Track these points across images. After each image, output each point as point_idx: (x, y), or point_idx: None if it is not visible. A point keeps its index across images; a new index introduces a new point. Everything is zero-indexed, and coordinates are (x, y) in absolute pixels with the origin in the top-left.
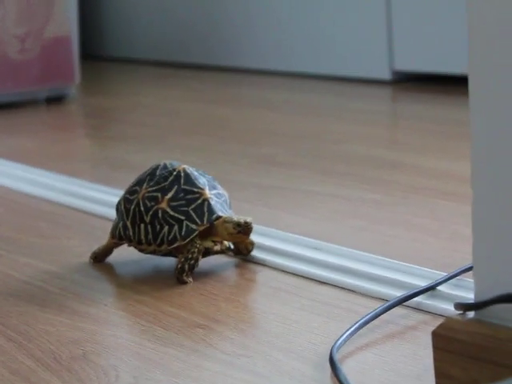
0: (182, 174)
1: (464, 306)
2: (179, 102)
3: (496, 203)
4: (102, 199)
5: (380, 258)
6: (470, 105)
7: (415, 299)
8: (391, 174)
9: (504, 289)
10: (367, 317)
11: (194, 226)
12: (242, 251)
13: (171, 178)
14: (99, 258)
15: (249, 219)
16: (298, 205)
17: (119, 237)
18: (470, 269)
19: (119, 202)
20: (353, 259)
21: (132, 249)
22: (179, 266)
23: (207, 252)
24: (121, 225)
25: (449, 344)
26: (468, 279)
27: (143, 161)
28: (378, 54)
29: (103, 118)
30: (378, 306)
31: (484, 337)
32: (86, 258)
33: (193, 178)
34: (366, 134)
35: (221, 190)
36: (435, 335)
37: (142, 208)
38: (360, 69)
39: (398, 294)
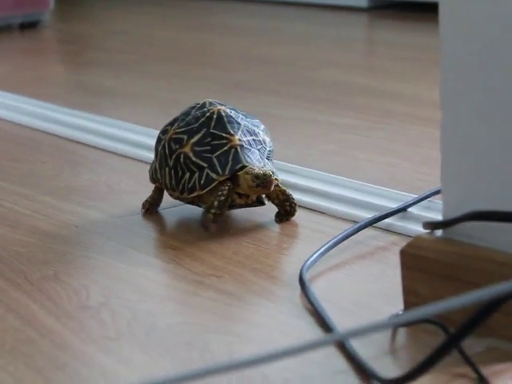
0: (215, 116)
1: (432, 225)
2: (154, 29)
3: (463, 125)
4: (76, 123)
5: (352, 180)
6: (439, 30)
7: (386, 221)
8: (366, 99)
9: (471, 207)
10: (337, 238)
11: (214, 176)
12: (280, 210)
13: (202, 120)
14: (151, 208)
15: (269, 171)
16: (271, 129)
17: (152, 179)
18: (440, 191)
19: (156, 142)
20: (325, 182)
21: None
22: (209, 203)
23: (231, 205)
24: (153, 166)
25: (416, 262)
26: (439, 201)
27: (117, 86)
28: None
29: (77, 43)
30: (348, 227)
31: (451, 254)
32: (59, 181)
33: (225, 121)
34: (341, 60)
35: (261, 137)
36: (403, 253)
37: (167, 151)
38: None
39: (369, 215)
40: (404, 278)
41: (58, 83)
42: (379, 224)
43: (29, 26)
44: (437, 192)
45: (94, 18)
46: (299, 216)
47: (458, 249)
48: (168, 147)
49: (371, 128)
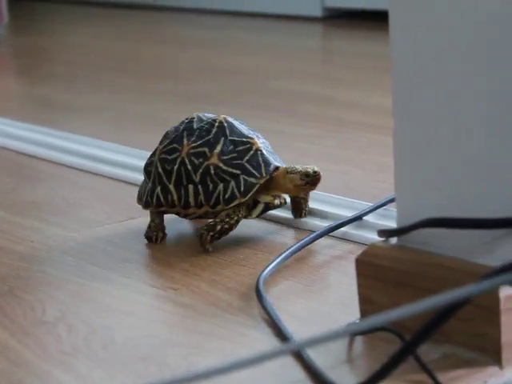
0: (226, 125)
1: (387, 233)
2: (110, 42)
3: (415, 132)
4: (32, 137)
5: None
6: (390, 38)
7: (342, 229)
8: (322, 108)
9: (425, 214)
10: (294, 247)
11: (253, 180)
12: (300, 205)
13: (215, 130)
14: (156, 237)
15: (316, 168)
16: None
17: (157, 203)
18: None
19: (149, 165)
20: None
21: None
22: (211, 222)
23: (267, 207)
24: (159, 190)
25: (371, 270)
26: (394, 209)
27: (73, 99)
28: None
29: (32, 57)
30: (304, 236)
31: (406, 262)
32: (14, 195)
33: (237, 127)
34: (297, 70)
35: (264, 139)
36: (358, 262)
37: (190, 166)
38: (291, 6)
39: (325, 224)
40: (360, 286)
41: (14, 97)
42: (335, 233)
43: None
44: (392, 200)
45: (49, 32)
46: (255, 227)
47: (412, 256)
48: (190, 163)
49: (325, 136)
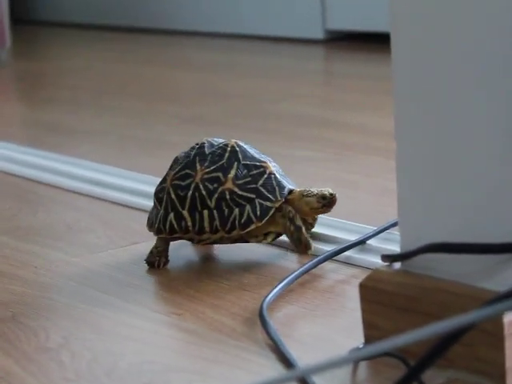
0: (238, 149)
1: (390, 258)
2: (111, 64)
3: (418, 157)
4: (33, 162)
5: None
6: (392, 61)
7: (345, 253)
8: (323, 131)
9: (428, 239)
10: (297, 272)
11: (268, 204)
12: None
13: (227, 155)
14: (159, 262)
15: (331, 190)
16: None
17: (170, 230)
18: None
19: (160, 191)
20: None
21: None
22: (292, 231)
23: (279, 233)
24: (172, 216)
25: (375, 295)
26: (397, 233)
27: (75, 123)
28: (310, 13)
29: (35, 81)
30: (308, 261)
31: (409, 287)
32: (17, 220)
33: (249, 151)
34: (299, 92)
35: (275, 163)
36: (362, 287)
37: (204, 192)
38: (293, 28)
39: (329, 248)
40: (364, 311)
41: (16, 122)
42: (339, 257)
43: None
44: (395, 224)
45: (51, 56)
46: (258, 252)
47: (416, 281)
48: (204, 189)
49: (329, 160)
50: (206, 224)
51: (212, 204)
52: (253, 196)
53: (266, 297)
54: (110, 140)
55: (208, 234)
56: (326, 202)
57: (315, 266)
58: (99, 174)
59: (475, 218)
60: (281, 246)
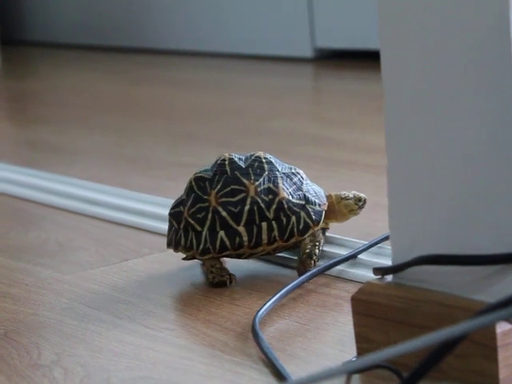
0: (272, 159)
1: (382, 270)
2: (100, 84)
3: (408, 171)
4: (23, 181)
5: None
6: (382, 78)
7: (337, 268)
8: (314, 148)
9: (419, 251)
10: (289, 286)
11: (318, 208)
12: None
13: (267, 166)
14: (230, 279)
15: (361, 193)
16: None
17: (221, 248)
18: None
19: (197, 212)
20: None
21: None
22: (307, 250)
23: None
24: (222, 234)
25: (367, 308)
26: (388, 247)
27: (65, 142)
28: (299, 31)
29: (25, 101)
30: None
31: (402, 299)
32: (8, 239)
33: (277, 160)
34: (289, 110)
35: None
36: (354, 300)
37: (263, 205)
38: (282, 47)
39: (320, 263)
40: (356, 324)
41: (6, 140)
42: (330, 271)
43: None
44: (386, 238)
45: (42, 75)
46: (250, 267)
47: (408, 293)
48: (262, 201)
49: (320, 176)
50: (264, 236)
51: (271, 215)
52: (303, 202)
53: (258, 311)
54: (102, 158)
55: (263, 247)
56: (362, 204)
57: (307, 280)
58: (90, 192)
59: (466, 230)
60: (272, 260)
